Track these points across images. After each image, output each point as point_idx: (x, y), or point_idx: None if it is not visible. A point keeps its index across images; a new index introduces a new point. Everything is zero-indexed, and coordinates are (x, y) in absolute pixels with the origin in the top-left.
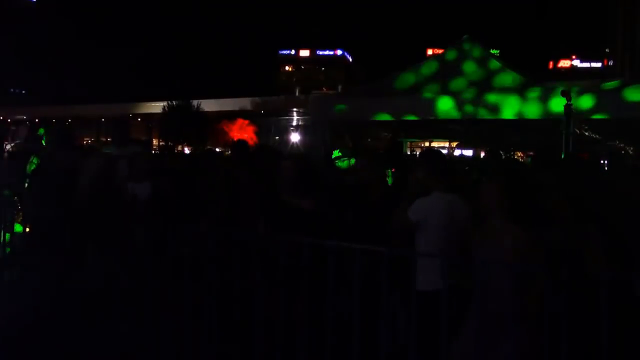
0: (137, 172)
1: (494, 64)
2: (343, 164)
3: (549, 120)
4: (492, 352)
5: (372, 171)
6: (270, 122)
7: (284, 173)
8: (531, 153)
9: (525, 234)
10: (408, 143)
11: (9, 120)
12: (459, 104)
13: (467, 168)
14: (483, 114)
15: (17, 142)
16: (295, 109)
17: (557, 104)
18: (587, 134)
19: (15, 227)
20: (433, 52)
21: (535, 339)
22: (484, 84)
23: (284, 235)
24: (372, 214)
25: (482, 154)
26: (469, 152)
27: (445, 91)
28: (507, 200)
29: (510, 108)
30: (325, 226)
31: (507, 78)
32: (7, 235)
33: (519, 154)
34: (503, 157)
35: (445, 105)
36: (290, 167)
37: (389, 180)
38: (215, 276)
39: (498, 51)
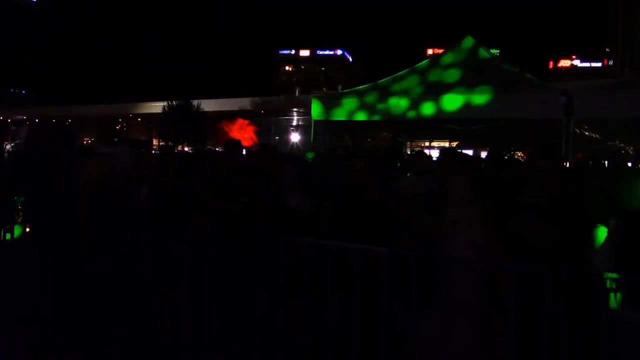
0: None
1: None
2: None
3: (549, 120)
4: (458, 341)
5: (368, 172)
6: (270, 122)
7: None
8: None
9: (489, 227)
10: (408, 143)
11: (9, 120)
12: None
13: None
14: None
15: (17, 142)
16: (295, 109)
17: None
18: (587, 133)
19: (15, 228)
20: (433, 52)
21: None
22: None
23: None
24: (364, 214)
25: (483, 154)
26: (469, 152)
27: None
28: (478, 192)
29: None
30: (301, 220)
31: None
32: (7, 236)
33: (519, 153)
34: (506, 156)
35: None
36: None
37: None
38: (213, 276)
39: (498, 51)
